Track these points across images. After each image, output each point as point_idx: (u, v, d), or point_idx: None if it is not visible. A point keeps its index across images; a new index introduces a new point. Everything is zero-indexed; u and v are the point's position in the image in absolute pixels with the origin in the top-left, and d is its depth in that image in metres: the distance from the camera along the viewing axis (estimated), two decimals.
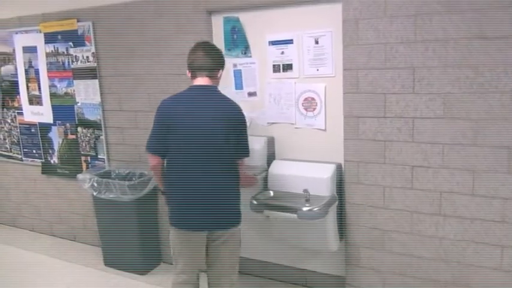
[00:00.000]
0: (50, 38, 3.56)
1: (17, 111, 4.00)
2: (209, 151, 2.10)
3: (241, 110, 2.22)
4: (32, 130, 3.93)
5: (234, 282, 2.32)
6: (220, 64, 2.25)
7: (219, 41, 2.86)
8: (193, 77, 2.21)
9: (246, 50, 2.79)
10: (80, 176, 3.29)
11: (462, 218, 2.28)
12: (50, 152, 3.86)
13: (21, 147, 4.06)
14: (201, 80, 2.19)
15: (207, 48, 2.23)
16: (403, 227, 2.44)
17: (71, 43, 3.46)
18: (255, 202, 2.49)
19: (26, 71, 3.80)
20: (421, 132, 2.29)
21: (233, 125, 2.13)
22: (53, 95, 3.70)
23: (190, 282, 2.29)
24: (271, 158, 2.78)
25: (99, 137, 3.53)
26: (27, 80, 3.82)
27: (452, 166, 2.25)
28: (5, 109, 4.08)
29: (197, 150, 2.10)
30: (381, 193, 2.46)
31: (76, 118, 3.61)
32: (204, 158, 2.10)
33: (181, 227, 2.19)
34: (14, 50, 3.82)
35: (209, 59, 2.19)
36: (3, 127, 4.16)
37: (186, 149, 2.11)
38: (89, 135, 3.58)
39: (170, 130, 2.13)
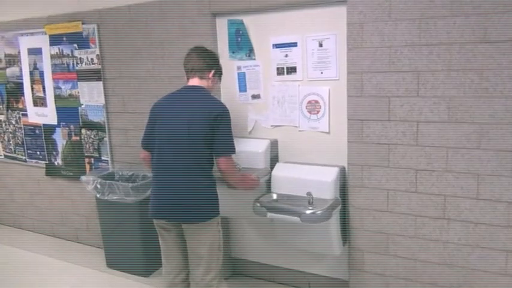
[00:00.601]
0: (55, 40, 3.58)
1: (21, 112, 4.01)
2: (181, 148, 2.20)
3: (224, 109, 2.25)
4: (36, 131, 3.95)
5: (211, 279, 2.33)
6: (210, 65, 2.37)
7: (223, 43, 2.87)
8: (187, 78, 2.38)
9: (250, 52, 2.80)
10: (83, 178, 3.30)
11: (466, 222, 2.27)
12: (54, 153, 3.87)
13: (25, 149, 4.08)
14: (192, 81, 2.36)
15: (199, 51, 2.39)
16: (407, 230, 2.43)
17: (75, 45, 3.48)
18: (258, 205, 2.49)
19: (31, 73, 3.82)
20: (426, 135, 2.29)
21: (212, 125, 2.18)
22: (57, 97, 3.71)
23: (172, 272, 2.40)
24: (274, 160, 2.78)
25: (102, 138, 3.54)
26: (32, 82, 3.84)
27: (456, 170, 2.24)
28: (9, 110, 4.10)
29: (170, 147, 2.23)
30: (384, 197, 2.45)
31: (80, 120, 3.62)
32: (175, 155, 2.22)
33: (150, 214, 2.35)
34: (19, 51, 3.85)
35: (199, 61, 2.34)
36: (7, 128, 4.17)
37: (161, 144, 2.26)
38: (92, 136, 3.59)
39: (154, 127, 2.31)
